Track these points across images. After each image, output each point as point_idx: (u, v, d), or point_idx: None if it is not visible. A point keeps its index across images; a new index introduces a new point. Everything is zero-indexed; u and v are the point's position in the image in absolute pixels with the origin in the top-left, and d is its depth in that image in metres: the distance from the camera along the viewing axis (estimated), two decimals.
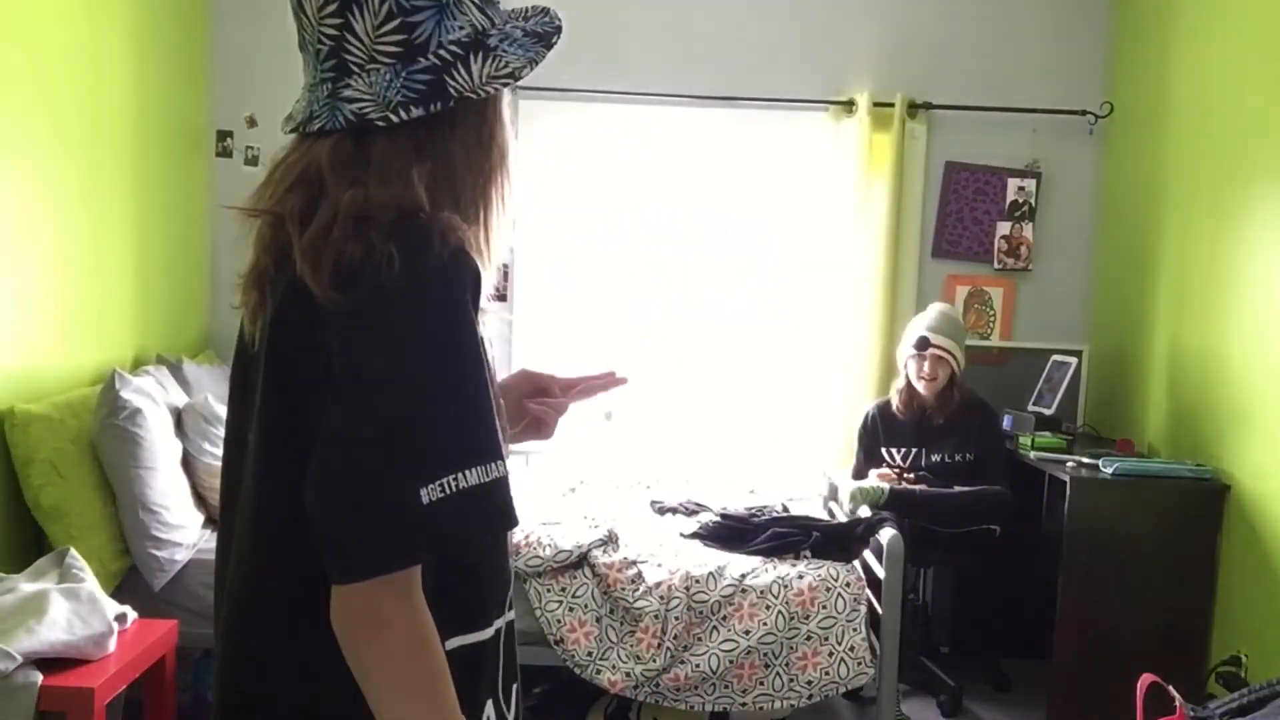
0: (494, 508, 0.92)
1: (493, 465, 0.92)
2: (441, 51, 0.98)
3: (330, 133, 0.98)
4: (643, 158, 4.20)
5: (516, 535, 2.89)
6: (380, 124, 0.97)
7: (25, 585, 2.44)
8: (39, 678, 2.22)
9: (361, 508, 0.88)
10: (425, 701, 0.90)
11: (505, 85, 1.00)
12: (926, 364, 3.58)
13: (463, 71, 0.98)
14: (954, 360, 3.59)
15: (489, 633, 1.04)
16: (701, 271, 4.25)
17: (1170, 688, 2.29)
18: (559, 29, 1.04)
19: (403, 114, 0.96)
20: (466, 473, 0.90)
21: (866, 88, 4.09)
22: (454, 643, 0.99)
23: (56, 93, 3.03)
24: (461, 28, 0.99)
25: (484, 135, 1.03)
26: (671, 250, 4.24)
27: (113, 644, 2.40)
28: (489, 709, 1.05)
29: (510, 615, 1.09)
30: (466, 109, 1.00)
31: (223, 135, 4.13)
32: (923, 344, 3.59)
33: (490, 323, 1.03)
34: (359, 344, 0.91)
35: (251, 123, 4.14)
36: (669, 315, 4.27)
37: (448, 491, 0.89)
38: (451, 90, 0.97)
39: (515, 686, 1.11)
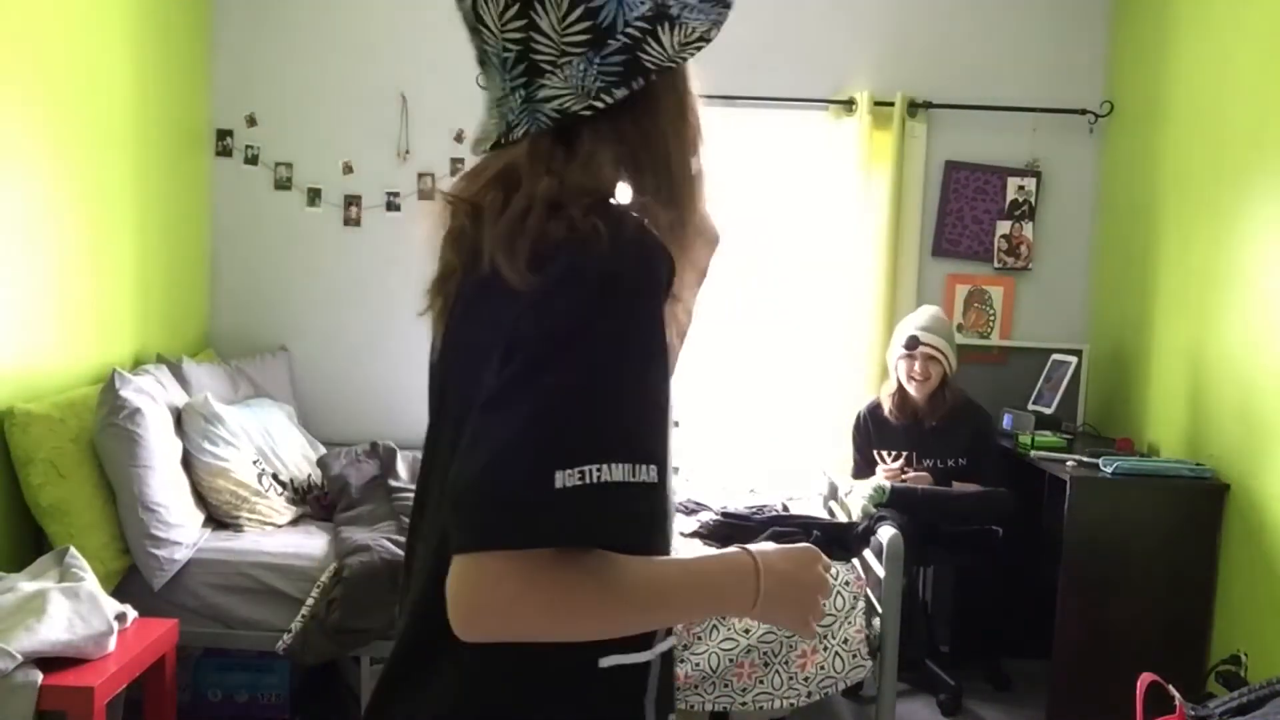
0: (632, 511, 0.85)
1: (643, 468, 0.85)
2: (629, 30, 0.96)
3: (534, 136, 0.97)
4: None
5: None
6: (586, 114, 0.95)
7: (25, 584, 2.45)
8: (39, 677, 2.22)
9: (491, 477, 0.82)
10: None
11: (698, 49, 0.98)
12: (917, 364, 3.56)
13: (654, 45, 0.96)
14: (945, 360, 3.57)
15: (648, 655, 0.98)
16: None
17: (1170, 687, 2.29)
18: None
19: (606, 98, 0.95)
20: (611, 467, 0.83)
21: (866, 86, 4.08)
22: (609, 660, 0.94)
23: (56, 92, 3.03)
24: (642, 3, 0.97)
25: (683, 107, 1.01)
26: None
27: (112, 643, 2.40)
28: None
29: (672, 641, 1.03)
30: (663, 83, 0.98)
31: (223, 134, 4.13)
32: (913, 343, 3.57)
33: (678, 312, 1.02)
34: (543, 314, 0.87)
35: (251, 122, 4.13)
36: None
37: (586, 481, 0.82)
38: (648, 65, 0.96)
39: (671, 718, 1.04)
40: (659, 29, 0.96)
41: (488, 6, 0.97)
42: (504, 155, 0.99)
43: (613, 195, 0.96)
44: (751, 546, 1.00)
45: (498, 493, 0.81)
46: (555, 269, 0.88)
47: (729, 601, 0.97)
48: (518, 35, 0.97)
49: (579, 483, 0.82)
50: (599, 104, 0.95)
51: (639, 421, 0.88)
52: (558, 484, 0.81)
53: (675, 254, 0.94)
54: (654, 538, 0.97)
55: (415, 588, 1.00)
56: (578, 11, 0.95)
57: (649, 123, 0.98)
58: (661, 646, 1.00)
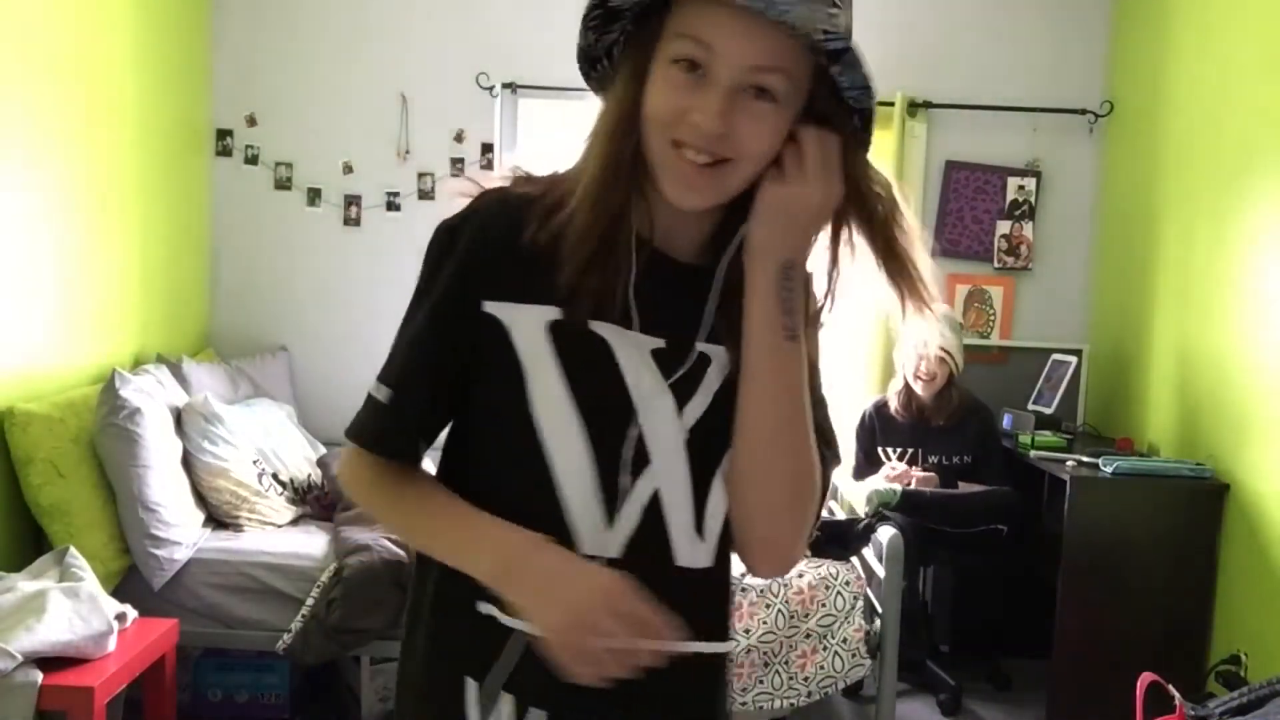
0: (368, 420, 1.02)
1: (384, 389, 1.01)
2: None
3: None
4: None
5: None
6: None
7: (25, 584, 2.44)
8: (39, 677, 2.22)
9: None
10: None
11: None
12: (924, 364, 3.58)
13: None
14: (952, 361, 3.58)
15: (507, 620, 0.95)
16: None
17: (1170, 686, 2.29)
18: None
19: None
20: (377, 386, 1.02)
21: None
22: (484, 608, 0.96)
23: (56, 92, 3.03)
24: None
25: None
26: None
27: (113, 643, 2.40)
28: (470, 687, 0.98)
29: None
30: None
31: (223, 134, 4.13)
32: (915, 348, 3.59)
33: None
34: None
35: (251, 122, 4.13)
36: None
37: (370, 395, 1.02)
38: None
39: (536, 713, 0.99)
40: None
41: None
42: None
43: None
44: (553, 546, 0.93)
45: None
46: None
47: (466, 556, 0.95)
48: None
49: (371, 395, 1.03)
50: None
51: (396, 352, 1.02)
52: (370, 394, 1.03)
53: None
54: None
55: None
56: None
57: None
58: (522, 624, 0.93)
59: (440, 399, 1.01)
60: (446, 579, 0.99)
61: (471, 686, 0.99)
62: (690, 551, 1.00)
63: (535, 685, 0.96)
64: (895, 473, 3.57)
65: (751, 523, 1.02)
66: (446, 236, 1.00)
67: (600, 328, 0.97)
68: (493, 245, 0.97)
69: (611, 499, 0.96)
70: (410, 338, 1.01)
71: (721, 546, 1.03)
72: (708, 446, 0.99)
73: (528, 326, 0.96)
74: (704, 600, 1.02)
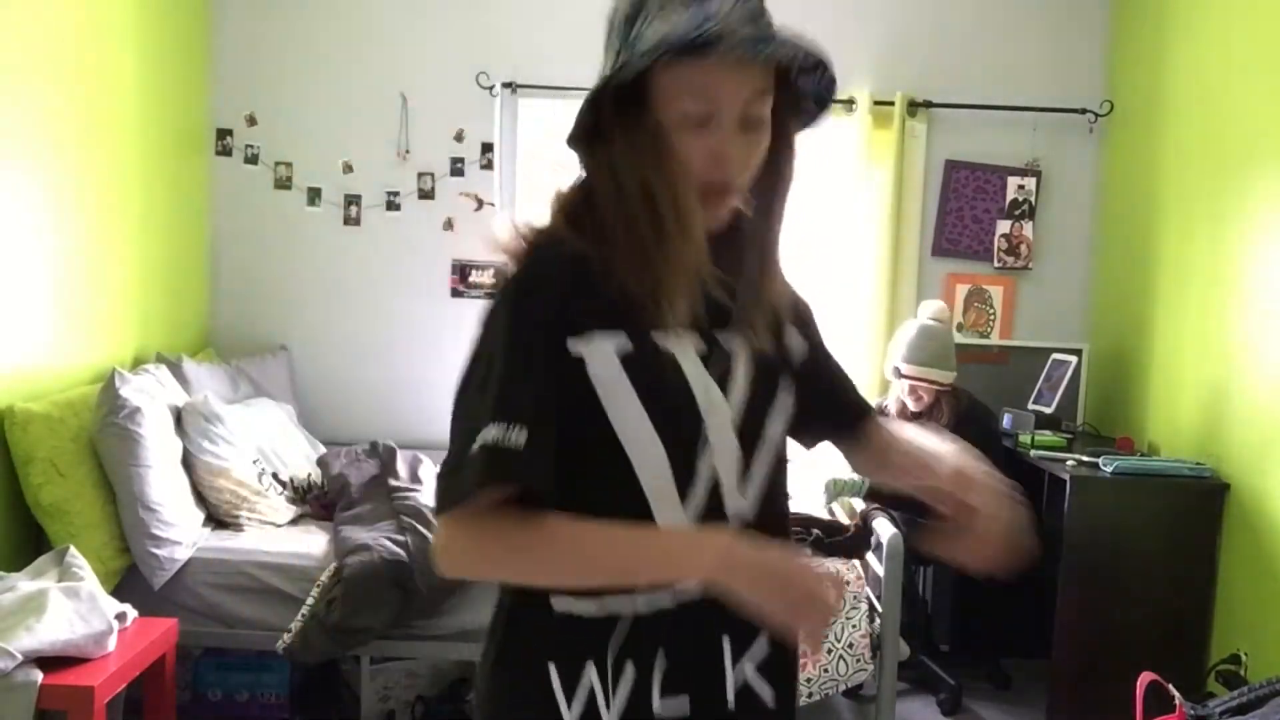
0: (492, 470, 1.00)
1: (511, 428, 1.01)
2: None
3: None
4: None
5: None
6: None
7: (25, 584, 2.44)
8: (39, 676, 2.22)
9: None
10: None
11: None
12: (907, 391, 3.58)
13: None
14: (933, 383, 3.56)
15: (593, 608, 1.07)
16: None
17: (1170, 686, 2.29)
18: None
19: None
20: (490, 426, 1.01)
21: (866, 86, 4.08)
22: (561, 605, 1.07)
23: (56, 92, 3.03)
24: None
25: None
26: None
27: (113, 642, 2.40)
28: (591, 673, 1.08)
29: (658, 598, 1.08)
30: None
31: (223, 134, 4.13)
32: (896, 374, 3.59)
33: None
34: None
35: (251, 121, 4.13)
36: None
37: (485, 442, 1.01)
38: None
39: (633, 666, 1.09)
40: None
41: None
42: None
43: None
44: (738, 536, 1.06)
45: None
46: None
47: (669, 567, 1.02)
48: None
49: (479, 446, 1.00)
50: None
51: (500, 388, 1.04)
52: (472, 451, 1.00)
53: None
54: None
55: None
56: None
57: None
58: (615, 603, 1.07)
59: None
60: (521, 594, 1.10)
61: (590, 667, 1.08)
62: (738, 506, 1.12)
63: (648, 651, 1.09)
64: None
65: None
66: (524, 289, 1.06)
67: (668, 343, 1.07)
68: (568, 288, 1.05)
69: (684, 491, 1.08)
70: (514, 379, 1.02)
71: (766, 502, 1.15)
72: (750, 423, 1.12)
73: (603, 357, 1.05)
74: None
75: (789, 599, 0.97)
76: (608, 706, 1.07)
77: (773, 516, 1.16)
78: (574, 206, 1.10)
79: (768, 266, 1.17)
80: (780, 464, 1.19)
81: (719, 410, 1.09)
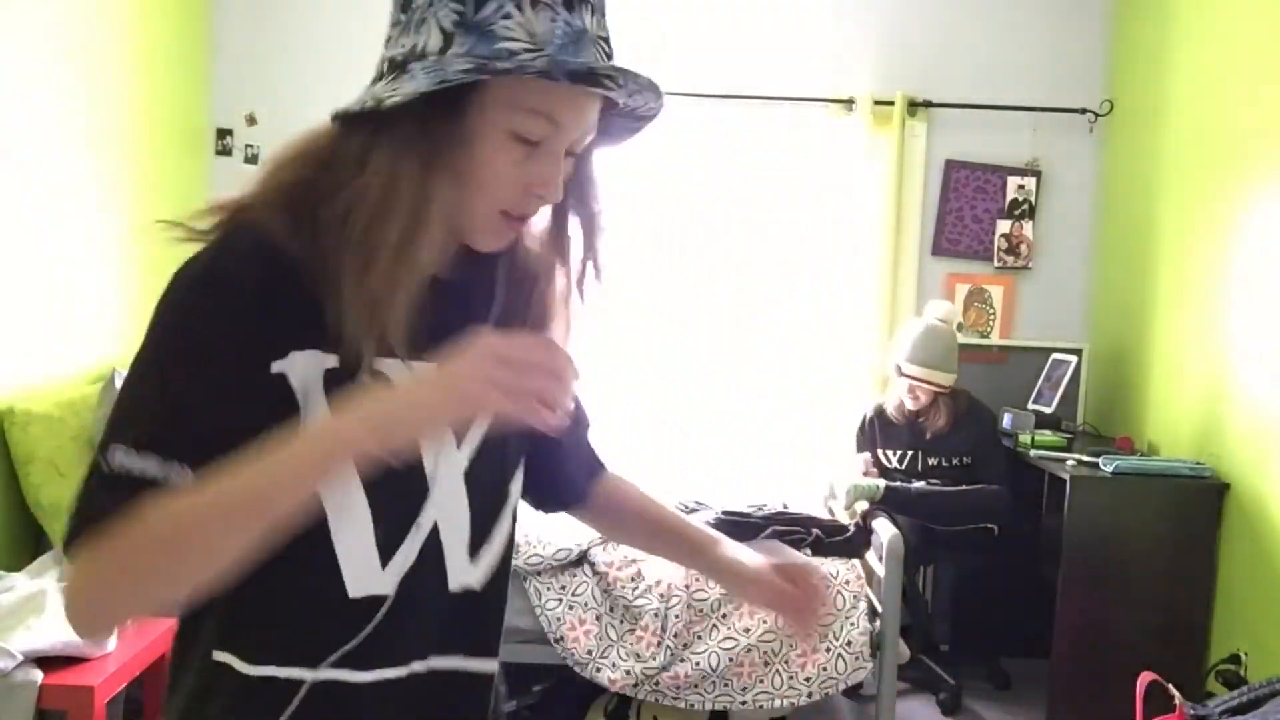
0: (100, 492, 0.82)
1: (133, 453, 0.82)
2: (382, 65, 1.00)
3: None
4: (639, 156, 4.19)
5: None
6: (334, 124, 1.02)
7: (25, 583, 2.45)
8: (39, 676, 2.22)
9: None
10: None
11: (363, 108, 0.94)
12: (905, 387, 3.59)
13: (371, 87, 0.98)
14: (933, 385, 3.57)
15: (306, 674, 0.90)
16: (700, 269, 4.24)
17: (1170, 686, 2.29)
18: (477, 72, 0.86)
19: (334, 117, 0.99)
20: (113, 449, 0.82)
21: (866, 86, 4.08)
22: (260, 670, 0.90)
23: (56, 91, 3.03)
24: (403, 45, 0.95)
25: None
26: (670, 248, 4.24)
27: (112, 642, 2.40)
28: None
29: (352, 676, 0.91)
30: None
31: (223, 133, 4.13)
32: (897, 372, 3.61)
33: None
34: None
35: (251, 120, 4.13)
36: (668, 313, 4.26)
37: (103, 469, 0.82)
38: (354, 103, 0.97)
39: None
40: (386, 77, 0.94)
41: None
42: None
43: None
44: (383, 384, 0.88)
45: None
46: None
47: (315, 469, 0.80)
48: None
49: (99, 475, 0.83)
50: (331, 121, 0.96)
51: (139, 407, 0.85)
52: (90, 483, 0.83)
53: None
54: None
55: None
56: (387, 34, 0.97)
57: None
58: (328, 673, 0.90)
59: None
60: (214, 655, 0.91)
61: None
62: (464, 575, 0.97)
63: None
64: (865, 468, 3.61)
65: None
66: (209, 287, 0.86)
67: (386, 366, 0.89)
68: (266, 295, 0.86)
69: (390, 539, 0.92)
70: (180, 400, 0.83)
71: (498, 570, 1.01)
72: (485, 474, 0.98)
73: (305, 373, 0.87)
74: (475, 620, 1.00)
75: (519, 384, 0.80)
76: None
77: (497, 592, 1.01)
78: (298, 192, 0.89)
79: (541, 309, 1.01)
80: (514, 527, 1.04)
81: (449, 455, 0.93)
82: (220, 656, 0.90)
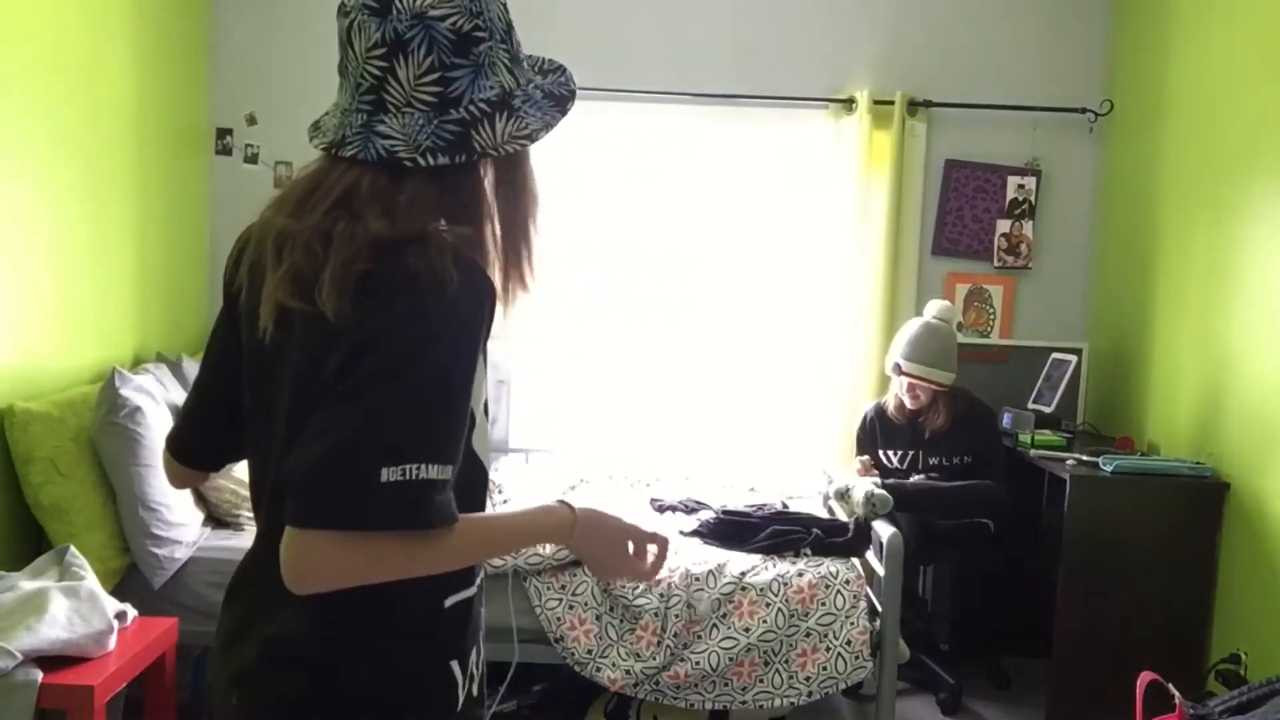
0: (431, 501, 1.00)
1: (446, 468, 1.01)
2: (472, 107, 1.07)
3: (363, 162, 1.06)
4: (639, 156, 4.20)
5: None
6: (408, 164, 1.05)
7: (25, 583, 2.45)
8: (39, 676, 2.22)
9: (328, 466, 0.96)
10: None
11: (523, 145, 1.11)
12: (904, 387, 3.59)
13: (487, 128, 1.08)
14: (932, 384, 3.57)
15: (473, 589, 1.19)
16: (700, 270, 4.25)
17: (1170, 685, 2.29)
18: (574, 94, 1.17)
19: (430, 159, 1.05)
20: (426, 467, 0.98)
21: (866, 85, 4.08)
22: (452, 599, 1.14)
23: (56, 91, 3.03)
24: (492, 88, 1.09)
25: (518, 179, 1.15)
26: (670, 248, 4.24)
27: (113, 642, 2.40)
28: (455, 667, 1.15)
29: (481, 576, 1.23)
30: (494, 161, 1.13)
31: (222, 133, 4.13)
32: (896, 370, 3.60)
33: (497, 346, 1.15)
34: (368, 352, 0.99)
35: (251, 120, 4.13)
36: (668, 313, 4.26)
37: (406, 478, 0.97)
38: (475, 145, 1.07)
39: (479, 650, 1.22)
40: (497, 116, 1.09)
41: (360, 34, 1.05)
42: (343, 178, 1.07)
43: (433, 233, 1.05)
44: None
45: (332, 481, 0.96)
46: (399, 305, 0.99)
47: (546, 533, 1.17)
48: (376, 72, 1.07)
49: (400, 478, 0.97)
50: (421, 161, 1.05)
51: (450, 430, 1.02)
52: (382, 479, 0.96)
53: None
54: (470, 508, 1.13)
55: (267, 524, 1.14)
56: (434, 76, 1.05)
57: (472, 188, 1.11)
58: (479, 579, 1.21)
59: None
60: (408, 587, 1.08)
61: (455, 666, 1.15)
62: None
63: (478, 623, 1.22)
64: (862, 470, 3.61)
65: None
66: (475, 310, 1.05)
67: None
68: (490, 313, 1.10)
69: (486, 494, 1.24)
70: (456, 414, 1.03)
71: None
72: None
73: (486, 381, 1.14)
74: None
75: (618, 562, 1.23)
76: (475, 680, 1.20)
77: None
78: (459, 228, 1.11)
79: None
80: None
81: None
82: (452, 599, 1.14)
